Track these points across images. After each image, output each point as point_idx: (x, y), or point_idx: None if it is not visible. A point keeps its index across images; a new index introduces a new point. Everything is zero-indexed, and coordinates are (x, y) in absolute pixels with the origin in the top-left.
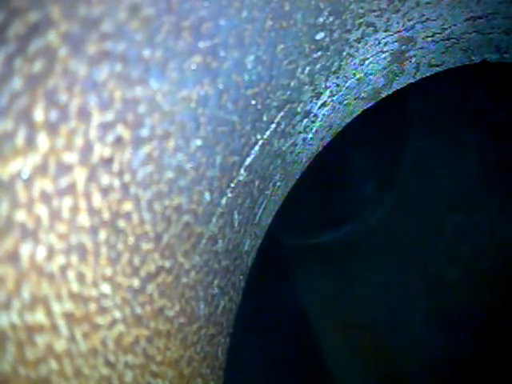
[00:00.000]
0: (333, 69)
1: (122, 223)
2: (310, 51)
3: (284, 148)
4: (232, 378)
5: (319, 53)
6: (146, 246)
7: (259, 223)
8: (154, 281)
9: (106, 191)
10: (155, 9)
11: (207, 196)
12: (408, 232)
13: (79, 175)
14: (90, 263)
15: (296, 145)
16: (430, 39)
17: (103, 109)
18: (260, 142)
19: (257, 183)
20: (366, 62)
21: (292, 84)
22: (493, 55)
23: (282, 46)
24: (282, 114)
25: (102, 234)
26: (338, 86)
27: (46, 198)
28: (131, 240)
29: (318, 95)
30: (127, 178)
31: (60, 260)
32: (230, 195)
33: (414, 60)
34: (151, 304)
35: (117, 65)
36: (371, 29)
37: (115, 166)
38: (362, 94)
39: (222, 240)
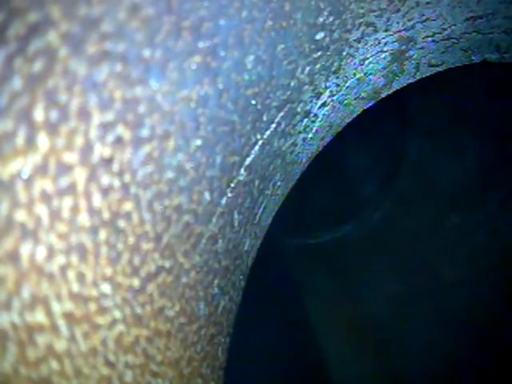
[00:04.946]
0: (333, 69)
1: (122, 223)
2: (310, 51)
3: (284, 148)
4: (232, 378)
5: (319, 53)
6: (145, 245)
7: (259, 223)
8: (154, 281)
9: (106, 191)
10: (155, 9)
11: (207, 196)
12: (408, 232)
13: (79, 175)
14: (90, 263)
15: (296, 145)
16: (429, 39)
17: (103, 109)
18: (260, 142)
19: (257, 183)
20: (366, 61)
21: (292, 84)
22: (493, 55)
23: (282, 46)
24: (281, 113)
25: (102, 234)
26: (337, 85)
27: (46, 197)
28: (131, 240)
29: (318, 95)
30: (127, 177)
31: (60, 260)
32: (229, 195)
33: (413, 60)
34: (151, 304)
35: (117, 65)
36: (371, 29)
37: (115, 166)
38: (362, 94)
39: (222, 240)
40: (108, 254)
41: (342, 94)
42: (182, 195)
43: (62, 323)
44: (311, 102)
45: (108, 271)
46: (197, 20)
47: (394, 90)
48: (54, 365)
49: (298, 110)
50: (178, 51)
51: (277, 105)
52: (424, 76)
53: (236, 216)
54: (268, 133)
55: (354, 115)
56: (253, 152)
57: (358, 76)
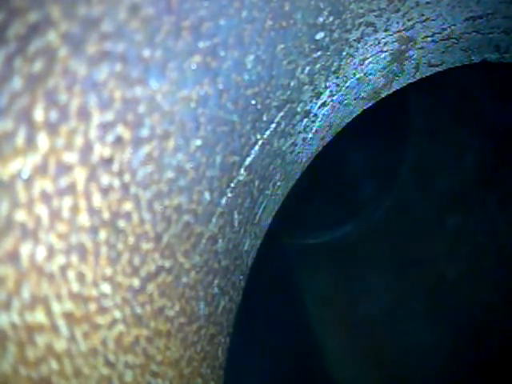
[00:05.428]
0: (333, 69)
1: (121, 223)
2: (310, 51)
3: (284, 148)
4: (232, 378)
5: (319, 53)
6: (145, 245)
7: (259, 223)
8: (154, 281)
9: (105, 191)
10: (155, 9)
11: (207, 196)
12: (408, 232)
13: (79, 175)
14: (90, 263)
15: (296, 145)
16: (429, 39)
17: (103, 109)
18: (260, 142)
19: (257, 183)
20: (366, 61)
21: (292, 84)
22: (493, 55)
23: (281, 46)
24: (281, 113)
25: (102, 234)
26: (337, 85)
27: (46, 197)
28: (131, 240)
29: (318, 95)
30: (127, 177)
31: (60, 260)
32: (229, 195)
33: (413, 60)
34: (151, 304)
35: (117, 65)
36: (371, 29)
37: (115, 166)
38: (362, 94)
39: (222, 240)
40: (108, 253)
41: (342, 94)
42: (182, 195)
43: (61, 323)
44: (311, 101)
45: (108, 271)
46: (197, 20)
47: (394, 89)
48: (54, 365)
49: (298, 109)
50: (178, 51)
51: (277, 105)
52: (424, 76)
53: (236, 216)
54: (268, 133)
55: (354, 115)
56: (253, 152)
57: (357, 76)
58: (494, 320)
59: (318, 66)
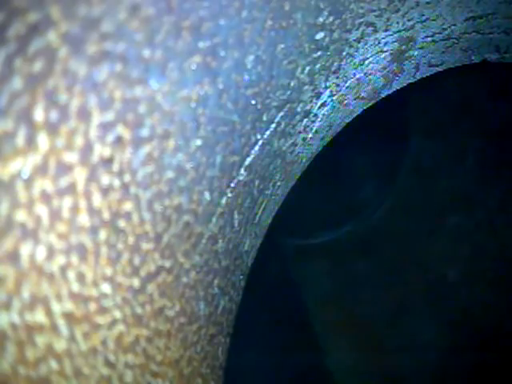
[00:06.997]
0: (333, 69)
1: (122, 223)
2: (310, 51)
3: (284, 148)
4: (232, 378)
5: (319, 53)
6: (146, 245)
7: (259, 223)
8: (154, 281)
9: (106, 191)
10: (155, 9)
11: (207, 196)
12: (408, 232)
13: (79, 175)
14: (90, 263)
15: (296, 145)
16: (429, 39)
17: (103, 109)
18: (260, 142)
19: (257, 183)
20: (366, 61)
21: (292, 84)
22: (493, 55)
23: (282, 46)
24: (281, 113)
25: (102, 234)
26: (337, 85)
27: (46, 197)
28: (131, 240)
29: (318, 95)
30: (127, 177)
31: (60, 260)
32: (229, 195)
33: (413, 60)
34: (151, 304)
35: (117, 65)
36: (371, 29)
37: (115, 166)
38: (362, 94)
39: (222, 240)
40: (108, 253)
41: (342, 94)
42: (182, 195)
43: (61, 323)
44: (311, 101)
45: (108, 271)
46: (197, 20)
47: (394, 89)
48: (54, 365)
49: (298, 109)
50: (178, 51)
51: (277, 105)
52: (424, 76)
53: (236, 216)
54: (268, 133)
55: (354, 115)
56: (253, 152)
57: (357, 76)
58: (494, 320)
59: (317, 65)
